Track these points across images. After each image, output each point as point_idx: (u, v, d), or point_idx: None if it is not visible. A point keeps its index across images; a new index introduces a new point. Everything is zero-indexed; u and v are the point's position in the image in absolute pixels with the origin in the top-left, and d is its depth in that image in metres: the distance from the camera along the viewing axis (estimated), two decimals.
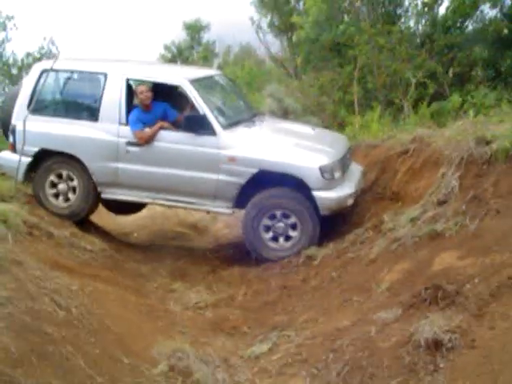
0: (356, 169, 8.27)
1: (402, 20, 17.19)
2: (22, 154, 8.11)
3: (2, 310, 4.55)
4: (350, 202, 7.60)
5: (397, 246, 6.14)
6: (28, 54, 21.66)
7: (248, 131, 8.03)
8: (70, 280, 5.93)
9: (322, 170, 7.39)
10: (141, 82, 8.22)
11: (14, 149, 8.29)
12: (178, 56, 37.35)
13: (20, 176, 8.24)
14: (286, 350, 5.12)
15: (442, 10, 15.93)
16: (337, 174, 7.53)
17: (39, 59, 21.28)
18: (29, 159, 8.19)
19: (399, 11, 17.29)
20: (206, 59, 34.07)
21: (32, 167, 8.27)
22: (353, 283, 6.03)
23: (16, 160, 8.16)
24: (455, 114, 11.08)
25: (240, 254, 8.34)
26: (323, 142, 8.24)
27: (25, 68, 21.19)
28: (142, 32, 52.17)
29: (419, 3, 16.16)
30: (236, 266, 7.81)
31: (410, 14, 16.96)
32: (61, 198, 8.27)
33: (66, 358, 4.42)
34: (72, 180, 8.23)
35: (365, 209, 7.81)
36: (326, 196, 7.42)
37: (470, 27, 15.50)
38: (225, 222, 10.44)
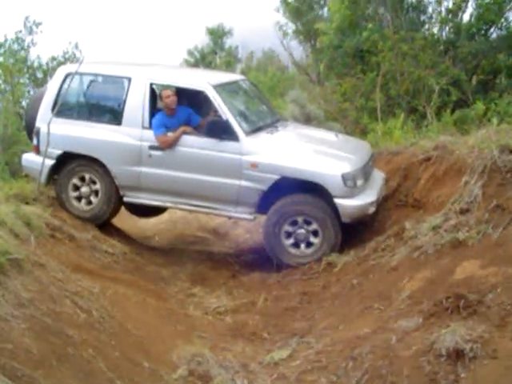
0: (378, 176, 8.23)
1: (426, 26, 17.11)
2: (46, 156, 8.16)
3: (24, 312, 4.59)
4: (372, 209, 7.56)
5: (418, 253, 6.10)
6: (53, 58, 21.88)
7: (271, 137, 8.02)
8: (91, 283, 5.97)
9: (344, 177, 7.37)
10: (165, 87, 8.24)
11: (37, 151, 8.35)
12: (200, 61, 37.50)
13: (43, 178, 8.29)
14: (306, 357, 5.11)
15: (466, 17, 15.84)
16: (359, 182, 7.50)
17: (63, 63, 21.51)
18: (52, 162, 8.23)
19: (423, 18, 17.20)
20: (229, 64, 34.17)
21: (55, 170, 8.32)
22: (373, 291, 6.00)
23: (39, 162, 8.20)
24: (478, 121, 10.99)
25: (260, 259, 8.33)
26: (346, 148, 8.21)
27: (49, 72, 21.40)
28: (165, 36, 52.42)
29: (443, 10, 16.09)
30: (256, 271, 7.80)
31: (433, 20, 16.88)
32: (83, 200, 8.32)
33: (86, 360, 4.45)
34: (94, 183, 8.27)
35: (386, 216, 7.77)
36: (348, 204, 7.39)
37: (495, 34, 15.39)
38: (245, 227, 10.42)
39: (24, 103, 18.65)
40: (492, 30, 15.40)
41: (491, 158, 6.51)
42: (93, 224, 8.21)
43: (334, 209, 7.44)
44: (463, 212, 6.26)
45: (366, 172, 7.75)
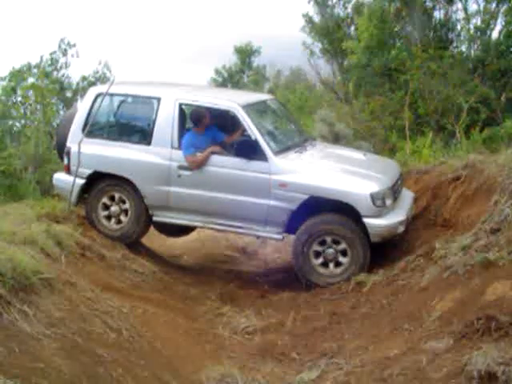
0: (407, 195, 8.20)
1: (454, 44, 17.08)
2: (76, 175, 8.25)
3: (55, 331, 4.64)
4: (401, 229, 7.53)
5: (448, 274, 6.04)
6: (83, 78, 22.15)
7: (299, 157, 8.04)
8: (120, 302, 6.00)
9: (373, 196, 7.35)
10: (195, 107, 8.28)
11: (68, 170, 8.43)
12: (228, 80, 37.72)
13: (73, 197, 8.38)
14: (335, 378, 5.08)
15: (494, 34, 15.79)
16: (388, 201, 7.48)
17: (94, 83, 21.79)
18: (82, 181, 8.32)
19: (451, 36, 17.19)
20: (257, 83, 34.33)
21: (85, 189, 8.40)
22: (403, 311, 5.96)
23: (70, 181, 8.29)
24: (508, 139, 10.93)
25: (289, 278, 8.31)
26: (374, 168, 8.20)
27: (79, 91, 21.67)
28: (194, 56, 52.84)
29: (472, 27, 16.05)
30: (285, 291, 7.77)
31: (462, 38, 16.85)
32: (113, 220, 8.38)
33: (116, 380, 4.47)
34: (124, 202, 8.33)
35: (416, 236, 7.72)
36: (377, 223, 7.37)
37: None
38: (274, 246, 10.42)
39: (55, 123, 18.89)
40: None
41: None
42: (122, 243, 8.26)
43: (363, 228, 7.41)
44: (493, 232, 6.19)
45: (394, 191, 7.73)
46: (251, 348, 6.22)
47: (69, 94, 22.12)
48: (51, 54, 20.69)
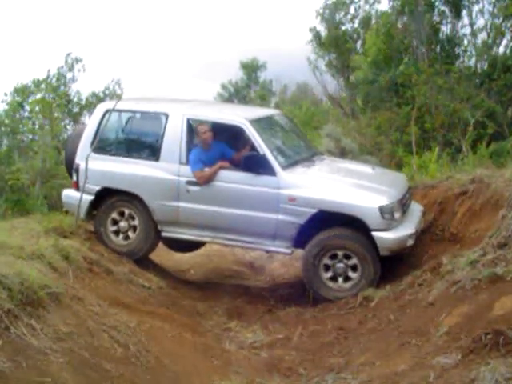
0: (416, 208, 8.20)
1: (461, 59, 17.12)
2: (85, 191, 8.28)
3: (63, 346, 4.64)
4: (411, 242, 7.51)
5: (456, 289, 6.02)
6: (93, 94, 22.25)
7: (307, 171, 8.06)
8: (128, 317, 6.01)
9: (381, 210, 7.36)
10: (202, 122, 8.32)
11: (77, 187, 8.46)
12: (234, 95, 37.83)
13: (82, 214, 8.41)
14: None
15: (501, 49, 15.83)
16: (397, 215, 7.48)
17: (103, 99, 21.87)
18: (91, 197, 8.35)
19: (458, 51, 17.22)
20: (263, 98, 34.41)
21: (94, 205, 8.43)
22: (411, 326, 5.93)
23: (79, 198, 8.32)
24: None
25: (296, 293, 8.30)
26: (383, 181, 8.22)
27: (87, 107, 21.75)
28: (200, 71, 53.04)
29: (478, 42, 16.09)
30: (292, 306, 7.76)
31: (468, 53, 16.88)
32: (121, 235, 8.41)
33: None
34: (133, 218, 8.35)
35: (423, 250, 7.71)
36: (386, 237, 7.37)
37: None
38: (281, 261, 10.43)
39: (62, 138, 18.97)
40: None
41: None
42: (131, 259, 8.28)
43: (373, 242, 7.41)
44: (501, 246, 6.18)
45: (403, 204, 7.73)
46: (258, 363, 6.21)
47: (76, 109, 22.17)
48: (58, 68, 20.79)
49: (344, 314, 7.11)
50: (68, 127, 21.35)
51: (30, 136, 19.03)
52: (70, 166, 8.73)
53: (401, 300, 6.77)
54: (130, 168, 8.25)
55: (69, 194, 8.70)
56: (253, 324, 7.31)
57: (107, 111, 8.53)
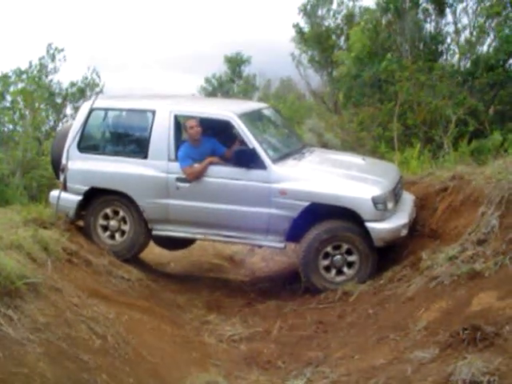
0: (408, 198, 8.15)
1: (444, 57, 17.20)
2: (73, 192, 8.24)
3: (40, 336, 4.61)
4: (404, 232, 7.45)
5: (435, 284, 6.06)
6: (72, 84, 22.12)
7: (298, 164, 8.01)
8: (106, 308, 5.98)
9: (374, 200, 7.31)
10: (189, 118, 8.23)
11: (65, 188, 8.36)
12: (218, 89, 37.76)
13: (71, 214, 8.31)
14: None
15: (484, 48, 15.93)
16: (390, 205, 7.44)
17: (83, 89, 21.75)
18: (79, 198, 8.26)
19: (441, 48, 17.30)
20: (247, 92, 34.39)
21: (83, 206, 8.34)
22: (389, 321, 5.96)
23: (68, 199, 8.27)
24: (495, 152, 10.99)
25: (276, 287, 8.32)
26: (374, 172, 8.21)
27: (69, 97, 21.63)
28: (183, 64, 52.88)
29: (462, 41, 16.17)
30: (272, 299, 7.77)
31: (451, 51, 16.97)
32: (112, 235, 8.33)
33: None
34: (123, 218, 8.27)
35: (402, 246, 7.72)
36: (380, 227, 7.31)
37: None
38: (261, 255, 10.43)
39: (44, 129, 18.86)
40: (510, 61, 15.45)
41: (508, 188, 6.49)
42: (122, 258, 8.19)
43: (367, 234, 7.36)
44: (480, 243, 6.22)
45: (395, 194, 7.69)
46: (237, 356, 6.22)
47: (58, 100, 22.04)
48: (40, 59, 20.66)
49: (323, 308, 7.13)
50: (50, 118, 21.26)
51: (11, 126, 18.89)
52: (57, 167, 8.60)
53: (380, 295, 6.81)
54: (118, 167, 8.15)
55: (56, 195, 8.49)
56: (232, 317, 7.31)
57: (93, 110, 8.44)
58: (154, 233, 8.32)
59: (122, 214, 8.27)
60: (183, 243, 9.72)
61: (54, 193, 8.58)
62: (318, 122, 15.93)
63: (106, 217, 8.33)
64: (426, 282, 6.24)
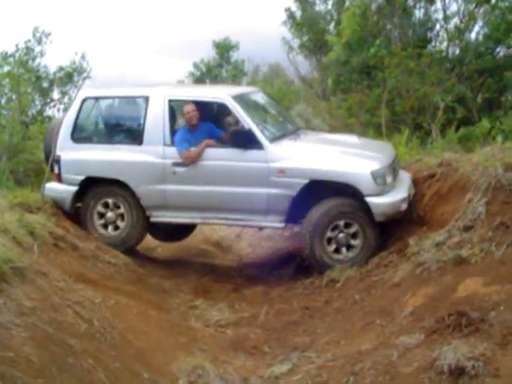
0: (405, 175, 8.15)
1: (433, 44, 17.19)
2: (68, 183, 8.21)
3: (26, 320, 4.59)
4: (404, 206, 7.42)
5: (421, 270, 6.09)
6: (60, 69, 21.96)
7: (295, 143, 7.98)
8: (93, 293, 5.96)
9: (373, 175, 7.29)
10: (185, 102, 8.20)
11: (59, 179, 8.32)
12: (206, 74, 37.59)
13: (66, 206, 8.27)
14: (307, 372, 5.09)
15: (473, 35, 15.93)
16: (388, 179, 7.43)
17: (71, 73, 21.60)
18: (75, 188, 8.21)
19: (430, 35, 17.28)
20: (235, 78, 34.25)
21: (79, 196, 8.29)
22: (376, 306, 5.99)
23: (63, 190, 8.25)
24: (483, 139, 11.01)
25: (263, 273, 8.32)
26: (370, 148, 8.25)
27: (56, 82, 21.48)
28: (172, 49, 52.61)
29: (451, 27, 16.16)
30: (259, 285, 7.79)
31: (440, 38, 16.96)
32: (110, 226, 8.28)
33: (86, 370, 4.45)
34: (119, 207, 8.22)
35: (389, 232, 7.75)
36: (380, 201, 7.29)
37: (502, 53, 15.45)
38: (248, 240, 10.44)
39: (30, 113, 18.75)
40: (499, 48, 15.46)
41: (495, 175, 6.50)
42: (121, 249, 8.14)
43: (368, 209, 7.32)
44: (467, 229, 6.24)
45: (393, 169, 7.70)
46: (223, 341, 6.22)
47: (45, 84, 21.90)
48: (26, 42, 20.50)
49: (310, 294, 7.15)
50: (37, 102, 21.13)
51: None
52: (51, 159, 8.51)
53: (367, 280, 6.84)
54: (113, 155, 8.10)
55: (52, 187, 8.45)
56: (219, 302, 7.31)
57: (86, 99, 8.39)
58: (152, 220, 8.25)
59: (118, 204, 8.23)
60: (180, 234, 9.70)
61: (50, 185, 8.50)
62: (306, 107, 15.90)
63: (103, 207, 8.27)
64: (413, 268, 6.26)
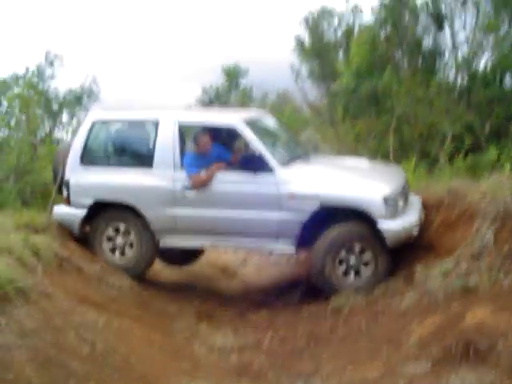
0: (415, 199, 8.07)
1: (441, 72, 17.26)
2: (77, 206, 8.15)
3: (28, 342, 4.55)
4: (416, 230, 7.35)
5: (428, 298, 6.03)
6: (70, 91, 22.09)
7: (305, 167, 7.94)
8: (96, 315, 5.93)
9: (385, 199, 7.19)
10: (196, 127, 8.23)
11: (68, 202, 8.26)
12: (215, 100, 37.78)
13: (75, 230, 8.21)
14: None
15: (481, 64, 16.01)
16: (400, 203, 7.34)
17: (80, 97, 21.72)
18: (84, 212, 8.14)
19: (439, 63, 17.36)
20: (243, 104, 34.41)
21: (87, 220, 8.22)
22: (382, 334, 5.92)
23: (72, 213, 8.19)
24: (491, 167, 10.99)
25: (268, 298, 8.26)
26: (381, 173, 8.19)
27: (65, 104, 21.59)
28: (181, 74, 52.95)
29: (459, 56, 16.24)
30: (264, 310, 7.72)
31: (449, 66, 17.04)
32: (118, 251, 8.19)
33: None
34: (129, 232, 8.14)
35: (396, 259, 7.69)
36: (393, 227, 7.18)
37: (510, 82, 15.50)
38: (254, 265, 10.38)
39: (38, 134, 18.83)
40: (507, 76, 15.52)
41: (504, 203, 6.46)
42: (130, 275, 8.03)
43: (380, 235, 7.22)
44: (475, 257, 6.18)
45: (404, 193, 7.62)
46: (227, 367, 6.15)
47: (55, 106, 22.02)
48: (37, 65, 20.66)
49: (315, 320, 7.07)
50: (46, 124, 21.22)
51: (6, 131, 18.84)
52: (60, 182, 8.48)
53: (373, 308, 6.76)
54: (123, 178, 8.05)
55: (60, 210, 8.38)
56: (223, 327, 7.25)
57: (95, 122, 8.35)
58: (162, 245, 8.16)
59: (127, 228, 8.14)
60: (189, 258, 9.65)
61: (58, 208, 8.45)
62: (314, 133, 15.93)
63: (112, 232, 8.19)
64: (420, 296, 6.20)
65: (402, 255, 7.57)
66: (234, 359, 6.34)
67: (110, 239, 8.20)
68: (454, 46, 16.76)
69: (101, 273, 7.64)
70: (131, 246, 8.16)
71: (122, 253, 8.20)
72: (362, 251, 7.39)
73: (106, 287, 7.39)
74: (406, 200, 7.62)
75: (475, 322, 4.99)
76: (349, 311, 6.96)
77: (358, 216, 7.32)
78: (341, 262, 7.43)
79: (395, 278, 7.20)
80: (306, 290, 8.01)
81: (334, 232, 7.38)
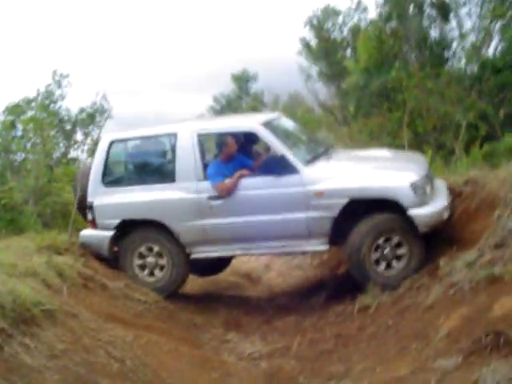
0: (440, 183, 8.02)
1: (450, 62, 17.19)
2: (104, 228, 8.15)
3: (57, 363, 4.58)
4: (446, 214, 7.27)
5: (454, 291, 5.96)
6: (81, 110, 22.23)
7: (328, 163, 7.89)
8: (124, 332, 5.95)
9: (413, 186, 7.13)
10: (215, 135, 8.25)
11: (94, 225, 8.26)
12: (226, 107, 37.88)
13: (104, 252, 8.21)
14: None
15: (490, 51, 15.91)
16: (428, 189, 7.29)
17: (92, 115, 21.85)
18: (111, 233, 8.14)
19: (447, 54, 17.28)
20: (255, 109, 34.47)
21: (115, 241, 8.23)
22: (410, 330, 5.88)
23: (98, 235, 8.19)
24: (508, 154, 10.91)
25: (294, 302, 8.24)
26: (404, 160, 8.15)
27: (78, 124, 21.74)
28: (189, 83, 53.14)
29: (467, 45, 16.15)
30: (290, 315, 7.70)
31: (458, 55, 16.96)
32: (148, 271, 8.19)
33: None
34: (160, 253, 8.12)
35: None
36: (423, 213, 7.11)
37: None
38: (278, 270, 10.37)
39: (54, 155, 18.97)
40: None
41: None
42: (164, 294, 8.03)
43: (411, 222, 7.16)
44: (498, 246, 6.12)
45: (430, 178, 7.57)
46: (258, 374, 6.15)
47: (68, 126, 22.17)
48: (46, 86, 20.81)
49: (342, 321, 7.05)
50: (61, 144, 21.36)
51: (23, 155, 19.00)
52: (83, 205, 8.47)
53: (399, 305, 6.72)
54: (147, 195, 8.02)
55: (87, 234, 8.40)
56: (251, 335, 7.25)
57: (112, 142, 8.36)
58: (193, 256, 8.12)
59: (157, 247, 8.13)
60: (218, 267, 9.64)
61: (84, 232, 8.45)
62: (327, 133, 15.91)
63: (142, 253, 8.18)
64: (445, 289, 6.14)
65: (425, 249, 7.53)
66: (263, 366, 6.34)
67: (141, 261, 8.18)
68: (462, 35, 16.67)
69: (125, 289, 7.66)
70: (163, 265, 8.14)
71: (154, 273, 8.18)
72: (398, 244, 7.32)
73: (132, 303, 7.42)
74: (432, 185, 7.56)
75: (503, 312, 4.95)
76: (375, 310, 6.94)
77: (387, 207, 7.26)
78: (376, 249, 7.36)
79: (419, 273, 7.16)
80: (331, 291, 7.99)
81: (365, 225, 7.31)
